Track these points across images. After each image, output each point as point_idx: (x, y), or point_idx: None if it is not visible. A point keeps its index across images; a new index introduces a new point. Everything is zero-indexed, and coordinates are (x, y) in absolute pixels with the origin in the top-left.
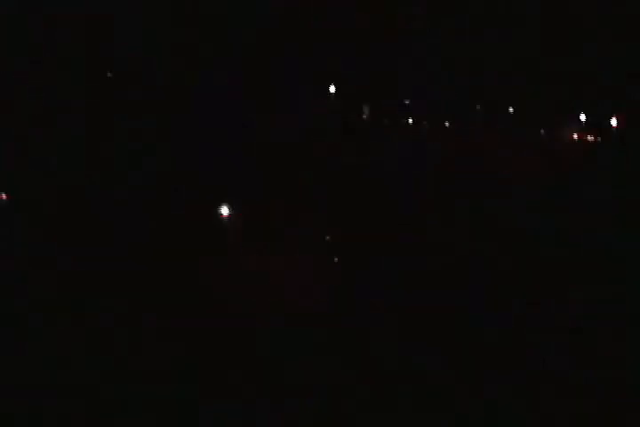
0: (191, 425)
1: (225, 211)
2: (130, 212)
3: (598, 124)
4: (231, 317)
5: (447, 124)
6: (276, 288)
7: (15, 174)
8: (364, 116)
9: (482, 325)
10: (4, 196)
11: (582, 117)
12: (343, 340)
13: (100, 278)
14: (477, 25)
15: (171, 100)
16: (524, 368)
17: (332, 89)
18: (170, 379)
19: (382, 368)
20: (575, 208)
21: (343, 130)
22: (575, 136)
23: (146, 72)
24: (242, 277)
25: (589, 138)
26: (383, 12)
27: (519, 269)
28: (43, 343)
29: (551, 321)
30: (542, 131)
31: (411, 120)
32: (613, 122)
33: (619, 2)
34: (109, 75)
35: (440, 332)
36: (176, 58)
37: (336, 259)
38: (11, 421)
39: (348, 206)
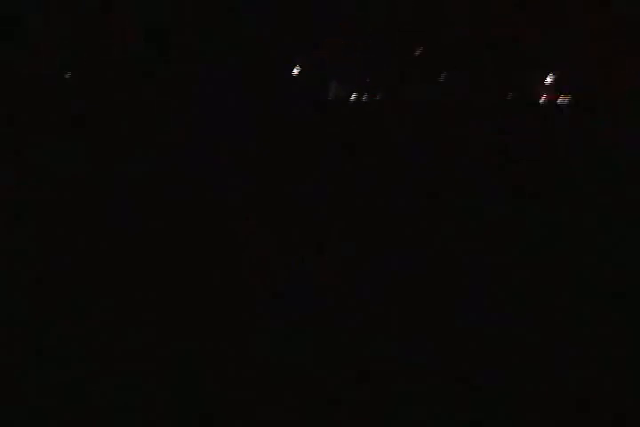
0: (190, 424)
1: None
2: (130, 208)
3: None
4: (231, 316)
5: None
6: (276, 286)
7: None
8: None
9: (482, 325)
10: None
11: None
12: (342, 340)
13: (100, 278)
14: None
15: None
16: (524, 368)
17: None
18: (169, 377)
19: (382, 368)
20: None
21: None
22: None
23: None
24: (243, 274)
25: None
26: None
27: (519, 268)
28: (42, 343)
29: (551, 320)
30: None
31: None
32: None
33: None
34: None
35: (440, 331)
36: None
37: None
38: (11, 421)
39: (345, 204)
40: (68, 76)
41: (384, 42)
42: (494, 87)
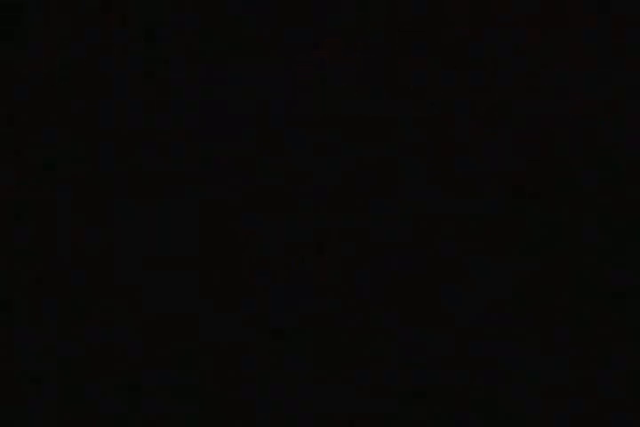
0: (190, 424)
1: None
2: (130, 208)
3: None
4: (231, 316)
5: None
6: (276, 286)
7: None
8: None
9: (482, 325)
10: None
11: None
12: (342, 340)
13: (100, 277)
14: None
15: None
16: (524, 368)
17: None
18: (169, 377)
19: (382, 368)
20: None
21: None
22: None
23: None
24: (243, 274)
25: None
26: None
27: (519, 268)
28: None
29: (551, 320)
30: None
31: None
32: None
33: None
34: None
35: (440, 332)
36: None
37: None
38: (11, 421)
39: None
40: (67, 76)
41: (384, 42)
42: (494, 87)
